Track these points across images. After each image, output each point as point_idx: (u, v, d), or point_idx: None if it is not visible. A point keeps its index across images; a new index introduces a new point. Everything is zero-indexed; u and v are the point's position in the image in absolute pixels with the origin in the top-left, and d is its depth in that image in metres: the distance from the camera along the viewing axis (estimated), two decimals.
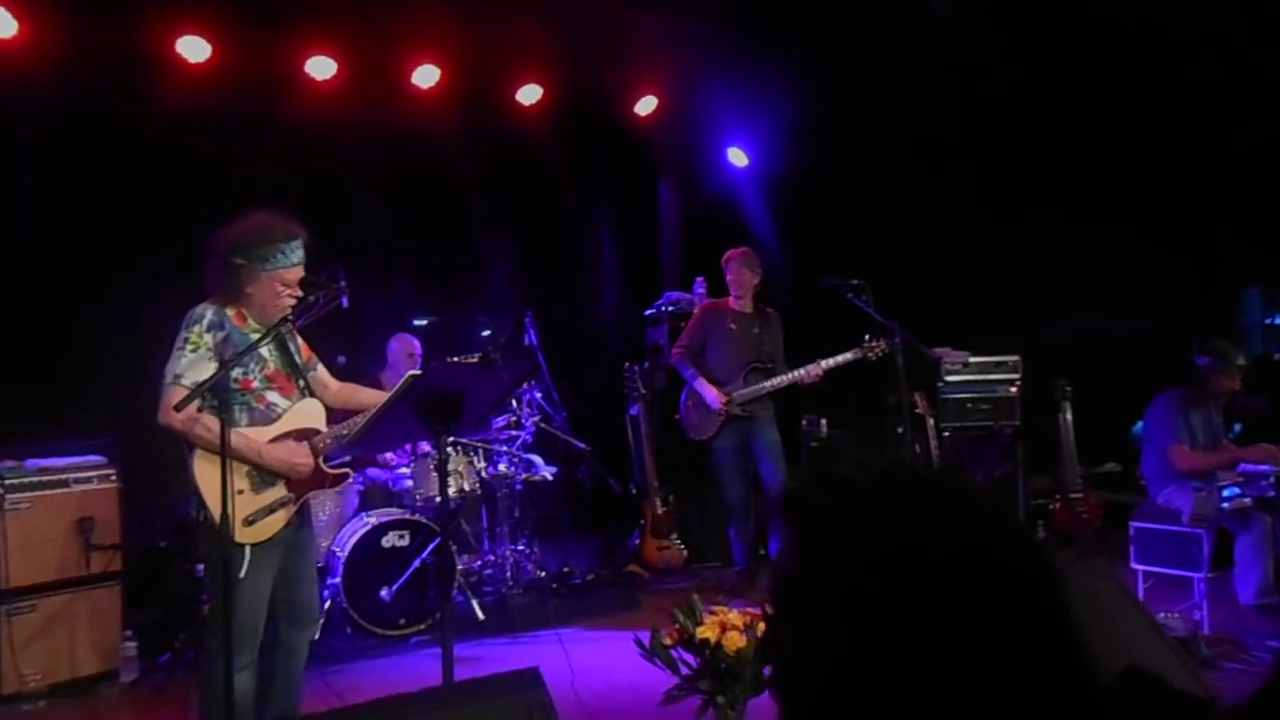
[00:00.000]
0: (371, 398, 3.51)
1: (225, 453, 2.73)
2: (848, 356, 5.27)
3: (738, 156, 7.94)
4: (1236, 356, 5.03)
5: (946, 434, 6.71)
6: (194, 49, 5.68)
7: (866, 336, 5.06)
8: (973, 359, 6.91)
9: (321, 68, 6.13)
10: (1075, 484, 6.45)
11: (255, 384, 3.20)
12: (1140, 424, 5.35)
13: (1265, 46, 6.50)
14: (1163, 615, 4.65)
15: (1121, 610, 3.64)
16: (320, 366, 3.55)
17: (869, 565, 0.80)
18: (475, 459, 5.64)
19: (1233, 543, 4.76)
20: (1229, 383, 5.03)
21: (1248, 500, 4.58)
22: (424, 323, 5.77)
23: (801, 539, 0.86)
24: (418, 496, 5.38)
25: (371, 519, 5.14)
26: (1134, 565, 5.12)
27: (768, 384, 5.59)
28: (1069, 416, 6.51)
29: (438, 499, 5.20)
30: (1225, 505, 4.62)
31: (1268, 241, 7.55)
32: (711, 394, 5.61)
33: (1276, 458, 4.72)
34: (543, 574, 5.90)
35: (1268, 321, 8.67)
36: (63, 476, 4.55)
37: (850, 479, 0.86)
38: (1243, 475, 4.67)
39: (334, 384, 3.56)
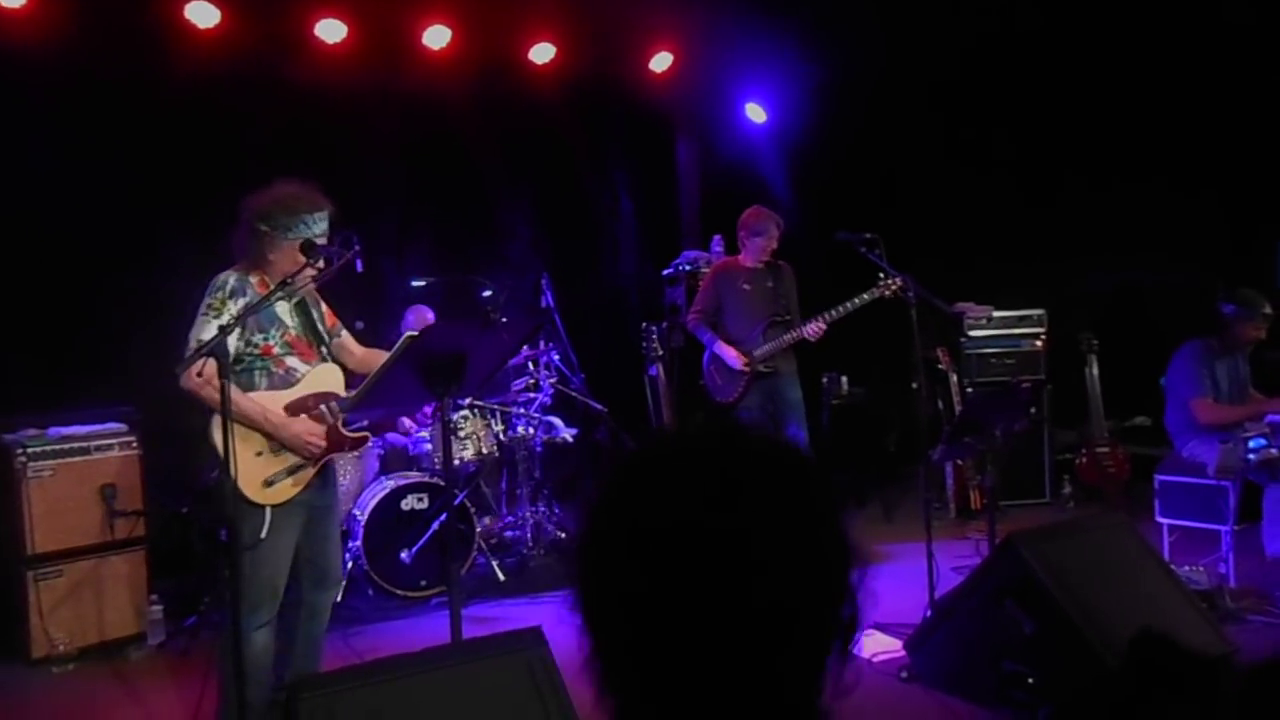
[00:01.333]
0: None
1: (226, 413, 2.75)
2: (864, 298, 5.16)
3: (755, 113, 7.82)
4: (1263, 304, 4.91)
5: (970, 390, 6.64)
6: (203, 14, 5.65)
7: (881, 275, 4.95)
8: (997, 313, 6.81)
9: (331, 30, 6.09)
10: (1102, 438, 6.37)
11: (276, 349, 3.24)
12: (1165, 377, 5.24)
13: None
14: (1188, 568, 4.60)
15: (1141, 564, 3.60)
16: (345, 333, 3.59)
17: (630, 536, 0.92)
18: (494, 422, 5.66)
19: (1260, 495, 4.66)
20: (1255, 331, 4.92)
21: (1274, 451, 4.48)
22: (422, 284, 5.75)
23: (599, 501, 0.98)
24: (437, 460, 5.41)
25: (390, 482, 5.18)
26: (1159, 519, 5.06)
27: (786, 338, 5.52)
28: (1095, 371, 6.42)
29: (457, 462, 5.27)
30: (1251, 457, 4.53)
31: None
32: (731, 355, 5.54)
33: None
34: (563, 535, 5.92)
35: None
36: (85, 444, 4.61)
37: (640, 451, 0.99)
38: (1269, 426, 4.57)
39: (359, 350, 3.59)
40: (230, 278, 3.22)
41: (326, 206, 3.28)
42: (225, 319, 3.12)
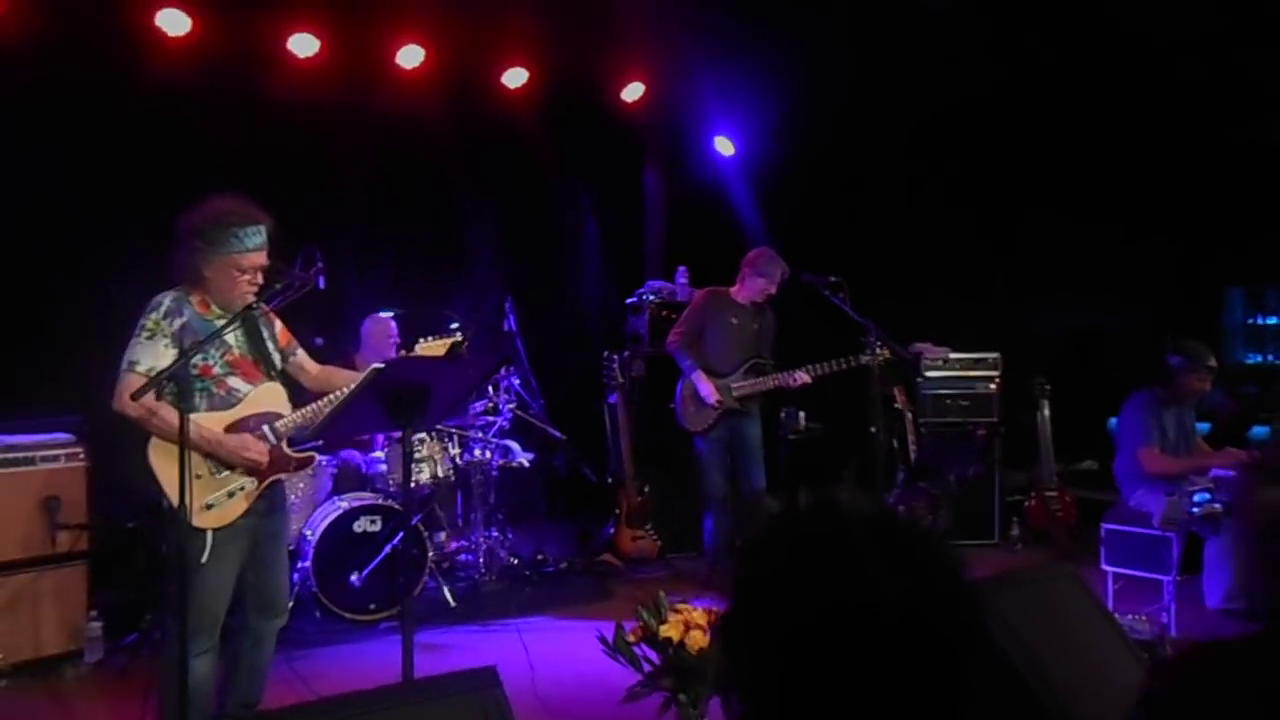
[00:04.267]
0: (348, 381, 3.48)
1: (184, 442, 2.70)
2: (850, 362, 5.23)
3: (724, 145, 7.89)
4: (1208, 357, 5.05)
5: (924, 430, 6.73)
6: (174, 22, 5.59)
7: (868, 348, 5.04)
8: (953, 355, 6.91)
9: (304, 45, 6.05)
10: (1051, 481, 6.48)
11: (216, 370, 3.18)
12: (1114, 420, 5.37)
13: (1251, 47, 6.48)
14: (1131, 617, 4.68)
15: (1088, 616, 3.65)
16: (300, 351, 3.52)
17: (804, 622, 0.93)
18: (450, 445, 5.62)
19: (1202, 547, 4.77)
20: (1199, 383, 5.06)
21: (1218, 506, 4.59)
22: (390, 315, 5.72)
23: (750, 583, 1.00)
24: (391, 481, 5.36)
25: (344, 503, 5.12)
26: (1105, 566, 5.14)
27: (766, 382, 5.55)
28: (1047, 414, 6.54)
29: (412, 485, 5.22)
30: (1195, 510, 4.64)
31: (1251, 242, 7.57)
32: (707, 389, 5.53)
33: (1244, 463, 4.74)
34: (516, 561, 5.89)
35: (1250, 321, 8.71)
36: (29, 454, 4.49)
37: (802, 528, 1.00)
38: (1213, 480, 4.69)
39: (314, 368, 3.53)
40: (166, 298, 3.17)
41: (262, 220, 3.20)
42: (160, 338, 3.08)
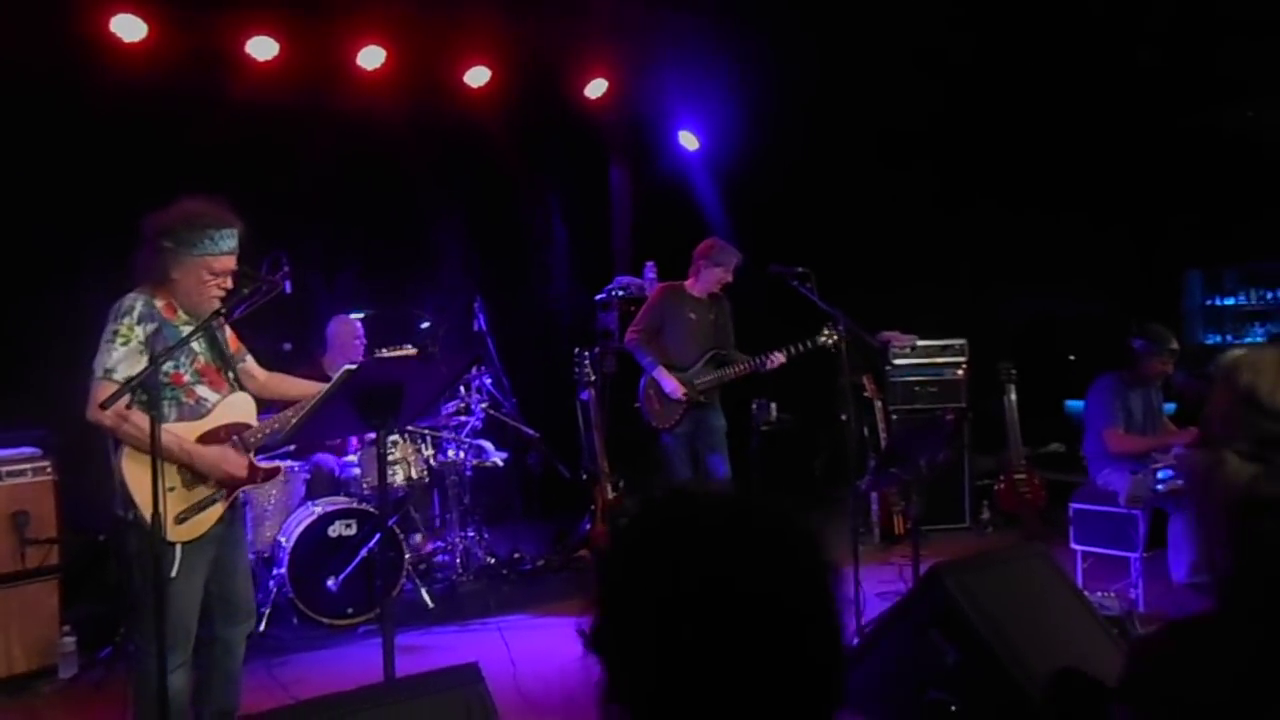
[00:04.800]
0: (300, 389, 3.47)
1: (156, 451, 2.67)
2: (809, 345, 5.29)
3: (689, 140, 7.93)
4: (1169, 340, 5.17)
5: (895, 416, 6.80)
6: (129, 28, 5.53)
7: (825, 330, 5.11)
8: (920, 342, 7.00)
9: (263, 48, 6.00)
10: (1019, 464, 6.58)
11: (186, 378, 3.13)
12: (1078, 403, 5.47)
13: (1205, 36, 6.61)
14: (1099, 594, 4.77)
15: (1058, 594, 3.72)
16: (249, 358, 3.48)
17: (673, 595, 0.96)
18: (424, 446, 5.60)
19: (1167, 523, 4.87)
20: (1162, 365, 5.17)
21: (1181, 482, 4.68)
22: (361, 316, 5.70)
23: (609, 586, 1.03)
24: (365, 484, 5.34)
25: (318, 508, 5.09)
26: (1074, 545, 5.24)
27: (730, 371, 5.58)
28: (1013, 398, 6.63)
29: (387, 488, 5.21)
30: (1160, 487, 4.74)
31: (1208, 226, 7.72)
32: (671, 384, 5.56)
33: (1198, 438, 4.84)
34: (493, 560, 5.89)
35: (1208, 303, 8.89)
36: None
37: (668, 512, 1.02)
38: (1176, 458, 4.78)
39: (262, 374, 3.50)
40: (137, 302, 3.08)
41: (235, 223, 3.15)
42: (134, 345, 3.01)
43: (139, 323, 3.06)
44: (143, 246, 3.14)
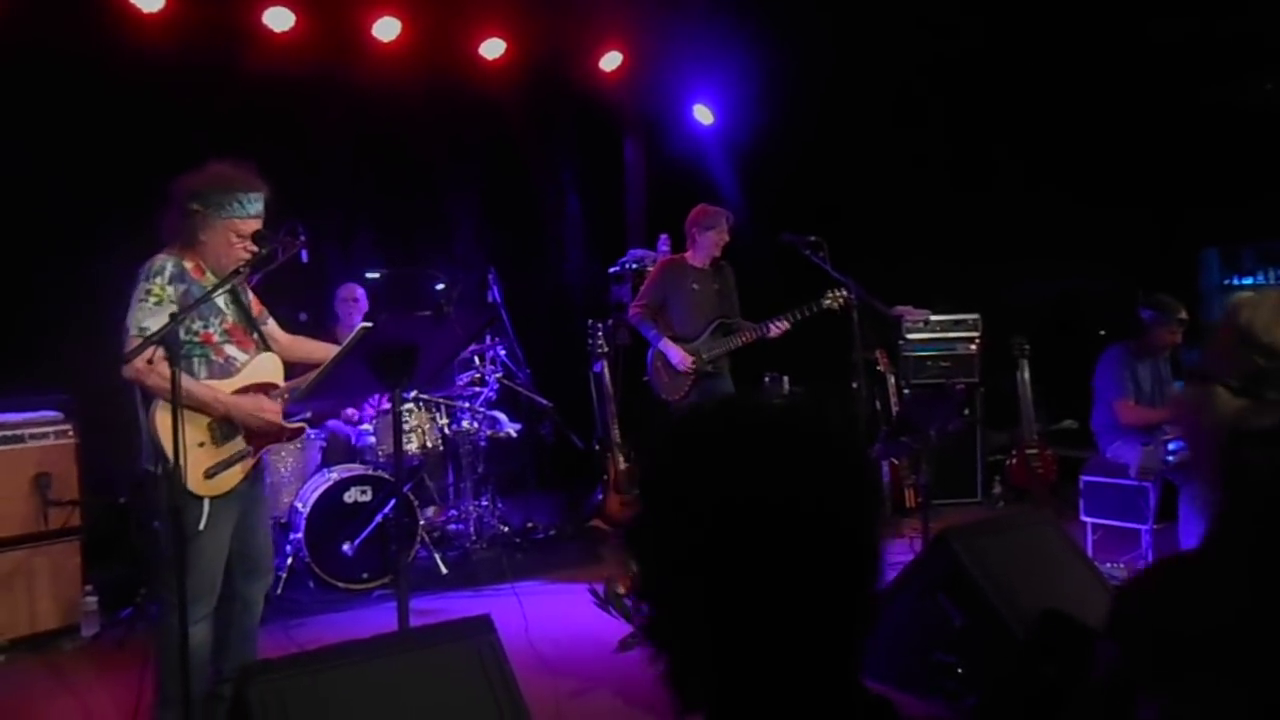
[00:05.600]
0: (321, 351, 3.52)
1: (176, 401, 2.73)
2: (814, 308, 5.32)
3: (703, 114, 7.91)
4: (1178, 310, 5.15)
5: (906, 390, 6.82)
6: None
7: (830, 291, 5.13)
8: (934, 317, 6.99)
9: (280, 19, 6.03)
10: (1032, 440, 6.58)
11: (215, 337, 3.20)
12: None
13: (1222, 8, 6.54)
14: (1109, 565, 4.80)
15: (1066, 560, 3.76)
16: (270, 320, 3.54)
17: (713, 506, 0.95)
18: (438, 415, 5.66)
19: (1177, 495, 4.87)
20: (1170, 335, 5.16)
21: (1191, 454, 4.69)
22: (375, 275, 5.74)
23: (652, 484, 1.02)
24: (380, 452, 5.40)
25: (334, 474, 5.16)
26: (1084, 518, 5.26)
27: (737, 339, 5.61)
28: (1027, 374, 6.63)
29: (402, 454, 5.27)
30: (1170, 458, 4.74)
31: (1226, 203, 7.66)
32: (677, 355, 5.60)
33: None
34: (506, 529, 5.95)
35: (1226, 282, 8.82)
36: (18, 432, 4.52)
37: (704, 425, 1.01)
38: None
39: (284, 337, 3.55)
40: (168, 263, 3.14)
41: (262, 188, 3.22)
42: (167, 305, 3.06)
43: (170, 283, 3.12)
44: (171, 209, 3.21)
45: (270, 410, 3.23)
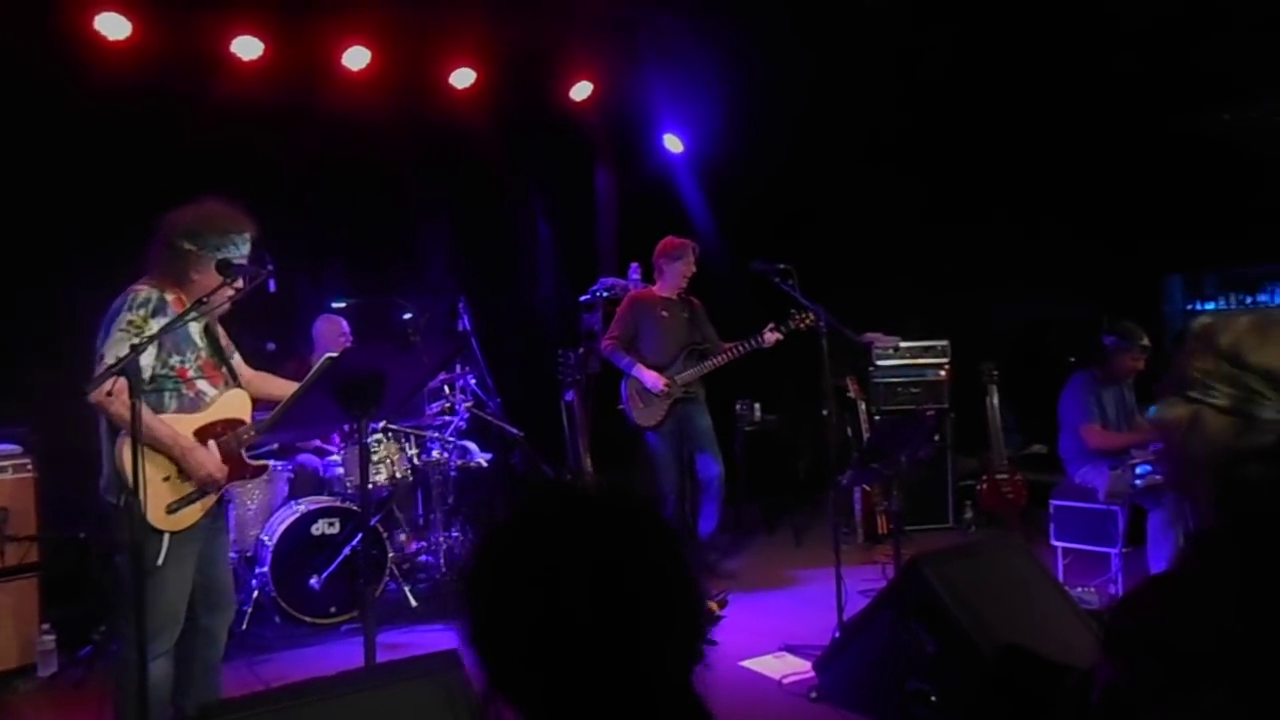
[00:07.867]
0: (283, 388, 3.49)
1: (136, 434, 2.68)
2: (785, 328, 5.36)
3: (673, 143, 7.96)
4: (1140, 337, 5.22)
5: (878, 416, 6.84)
6: (113, 26, 5.52)
7: (792, 310, 5.17)
8: (903, 343, 7.04)
9: (248, 48, 6.01)
10: (1002, 465, 6.62)
11: (190, 372, 3.18)
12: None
13: (1185, 41, 6.67)
14: (1080, 589, 4.82)
15: (1036, 585, 3.75)
16: (236, 355, 3.50)
17: (528, 578, 1.11)
18: (408, 445, 5.60)
19: (1145, 519, 4.91)
20: (1133, 362, 5.22)
21: (1159, 477, 4.72)
22: (342, 305, 5.70)
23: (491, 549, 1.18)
24: (348, 483, 5.32)
25: (301, 506, 5.08)
26: (1054, 542, 5.28)
27: (713, 361, 5.64)
28: (996, 400, 6.68)
29: (370, 486, 5.20)
30: (1138, 483, 4.78)
31: (1188, 230, 7.79)
32: (651, 378, 5.63)
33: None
34: None
35: (1189, 308, 8.96)
36: None
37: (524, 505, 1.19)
38: (1155, 453, 4.82)
39: (248, 372, 3.52)
40: (152, 295, 3.12)
41: (252, 228, 3.24)
42: (145, 337, 3.02)
43: (153, 315, 3.09)
44: (158, 242, 3.19)
45: (216, 468, 3.17)
